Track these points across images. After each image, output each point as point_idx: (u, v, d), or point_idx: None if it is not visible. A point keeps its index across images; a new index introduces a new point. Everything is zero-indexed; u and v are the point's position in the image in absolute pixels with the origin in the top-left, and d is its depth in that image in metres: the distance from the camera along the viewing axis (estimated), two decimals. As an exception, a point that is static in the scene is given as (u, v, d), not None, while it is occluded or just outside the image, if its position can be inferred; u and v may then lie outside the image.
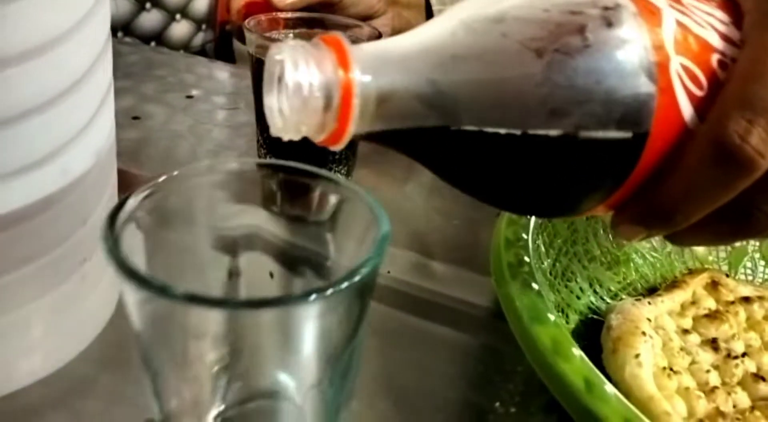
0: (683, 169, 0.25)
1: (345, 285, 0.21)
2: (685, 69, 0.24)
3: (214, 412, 0.25)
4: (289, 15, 0.48)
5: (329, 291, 0.21)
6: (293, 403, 0.25)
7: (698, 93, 0.25)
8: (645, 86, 0.23)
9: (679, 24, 0.25)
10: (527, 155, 0.24)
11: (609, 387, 0.26)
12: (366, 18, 0.69)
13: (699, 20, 0.26)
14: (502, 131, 0.23)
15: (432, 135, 0.24)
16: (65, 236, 0.30)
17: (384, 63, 0.22)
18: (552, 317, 0.28)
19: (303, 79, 0.21)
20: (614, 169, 0.25)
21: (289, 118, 0.22)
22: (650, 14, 0.24)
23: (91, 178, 0.30)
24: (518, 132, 0.23)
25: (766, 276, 0.44)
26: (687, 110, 0.24)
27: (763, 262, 0.44)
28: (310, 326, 0.22)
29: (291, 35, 0.46)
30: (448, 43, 0.23)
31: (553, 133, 0.23)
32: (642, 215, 0.27)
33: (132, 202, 0.24)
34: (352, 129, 0.22)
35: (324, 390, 0.25)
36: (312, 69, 0.21)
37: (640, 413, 0.27)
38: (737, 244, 0.44)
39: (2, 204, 0.26)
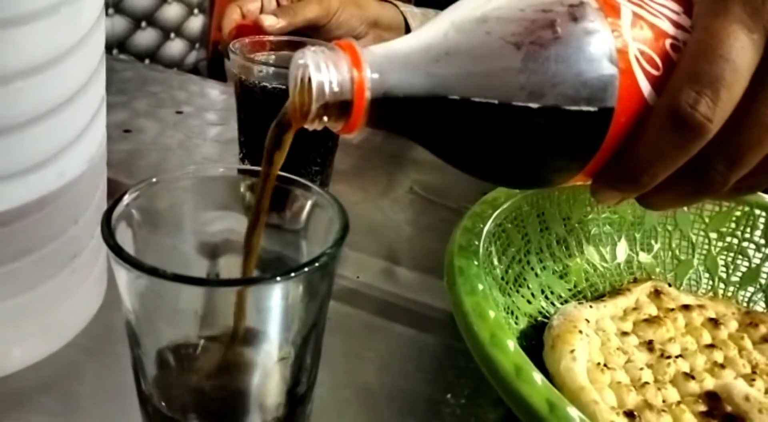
0: (645, 136, 0.29)
1: (306, 269, 0.25)
2: (642, 53, 0.29)
3: (192, 383, 0.28)
4: (273, 38, 0.51)
5: (293, 274, 0.25)
6: (261, 376, 0.28)
7: (655, 72, 0.29)
8: (608, 69, 0.28)
9: (636, 15, 0.29)
10: (513, 132, 0.28)
11: (537, 374, 0.29)
12: (349, 40, 0.73)
13: (654, 11, 0.30)
14: (491, 113, 0.28)
15: (431, 119, 0.28)
16: (58, 233, 0.33)
17: (390, 62, 0.27)
18: (492, 314, 0.32)
19: (324, 79, 0.26)
20: (587, 140, 0.29)
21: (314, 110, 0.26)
22: (610, 8, 0.29)
23: (83, 182, 0.33)
24: (504, 113, 0.27)
25: (708, 288, 0.47)
26: (646, 88, 0.29)
27: (707, 275, 0.48)
28: (277, 304, 0.26)
29: (273, 57, 0.50)
30: (442, 42, 0.28)
31: (533, 111, 0.27)
32: (615, 179, 0.31)
33: (126, 199, 0.27)
34: (365, 119, 0.27)
35: (289, 366, 0.28)
36: (331, 70, 0.26)
37: (571, 402, 0.30)
38: (683, 258, 0.48)
39: (4, 202, 0.30)
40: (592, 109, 0.28)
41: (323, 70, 0.26)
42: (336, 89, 0.26)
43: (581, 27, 0.28)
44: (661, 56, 0.29)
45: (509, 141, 0.29)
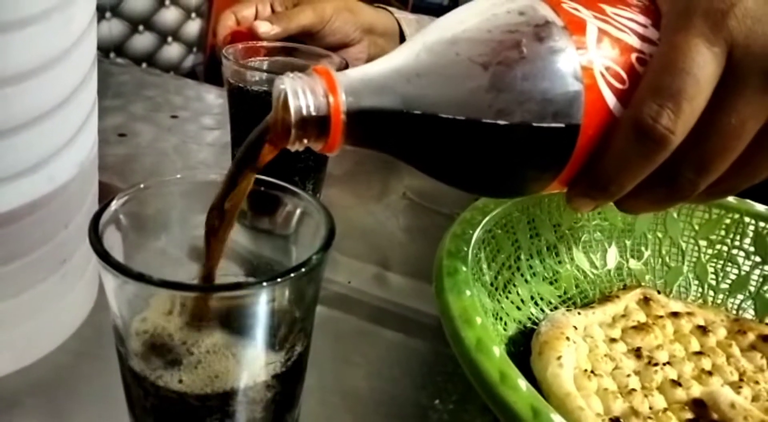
0: (612, 148, 0.30)
1: (292, 274, 0.25)
2: (608, 68, 0.29)
3: (179, 386, 0.28)
4: (266, 44, 0.52)
5: (279, 279, 0.25)
6: (247, 380, 0.28)
7: (620, 86, 0.29)
8: (573, 86, 0.28)
9: (601, 31, 0.30)
10: (484, 148, 0.29)
11: (522, 380, 0.29)
12: (343, 46, 0.74)
13: (620, 26, 0.30)
14: (462, 131, 0.28)
15: (405, 137, 0.29)
16: (48, 238, 0.33)
17: (364, 85, 0.28)
18: (479, 320, 0.32)
19: (302, 104, 0.27)
20: (557, 154, 0.30)
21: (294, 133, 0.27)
22: (576, 26, 0.29)
23: (74, 187, 0.33)
24: (475, 130, 0.28)
25: (698, 295, 0.48)
26: (612, 101, 0.29)
27: (696, 282, 0.48)
28: (264, 309, 0.26)
29: (266, 63, 0.50)
30: (414, 64, 0.28)
31: (502, 128, 0.28)
32: (586, 188, 0.32)
33: (114, 205, 0.28)
34: (342, 139, 0.28)
35: (275, 371, 0.28)
36: (308, 95, 0.27)
37: (557, 409, 0.30)
38: (672, 265, 0.48)
39: (-6, 206, 0.30)
40: (559, 124, 0.29)
41: (300, 96, 0.27)
42: (313, 113, 0.27)
43: (546, 46, 0.28)
44: (627, 70, 0.30)
45: (481, 156, 0.29)
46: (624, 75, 0.29)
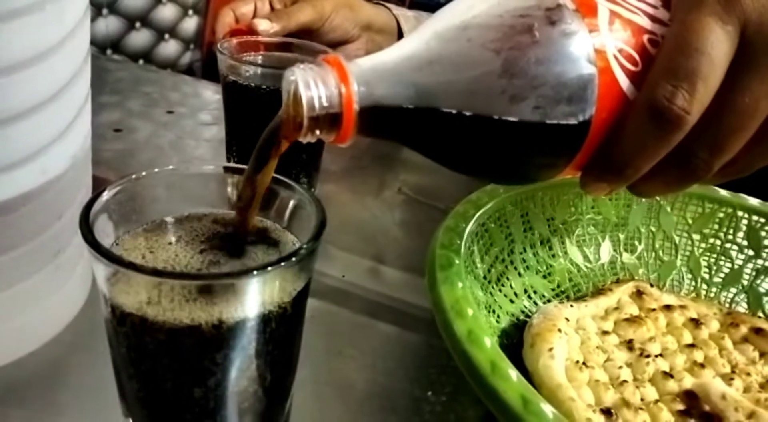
0: (627, 130, 0.30)
1: (282, 264, 0.26)
2: (621, 50, 0.29)
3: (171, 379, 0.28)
4: (261, 39, 0.52)
5: (269, 268, 0.25)
6: (238, 371, 0.28)
7: (633, 68, 0.29)
8: (587, 69, 0.28)
9: (613, 13, 0.30)
10: (497, 134, 0.29)
11: (512, 371, 0.29)
12: (342, 43, 0.74)
13: (631, 8, 0.30)
14: (476, 117, 0.28)
15: (418, 126, 0.29)
16: (42, 229, 0.33)
17: (375, 74, 0.28)
18: (471, 311, 0.32)
19: (314, 94, 0.27)
20: (571, 138, 0.30)
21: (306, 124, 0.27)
22: (587, 8, 0.29)
23: (67, 179, 0.33)
24: (488, 116, 0.28)
25: (691, 288, 0.48)
26: (625, 84, 0.29)
27: (690, 275, 0.48)
28: (255, 298, 0.26)
29: (261, 58, 0.50)
30: (425, 52, 0.28)
31: (516, 113, 0.28)
32: (601, 173, 0.31)
33: (106, 195, 0.28)
34: (355, 129, 0.28)
35: (266, 361, 0.28)
36: (320, 86, 0.27)
37: (549, 399, 0.30)
38: (666, 259, 0.48)
39: (-14, 197, 0.30)
40: (573, 108, 0.28)
41: (312, 87, 0.27)
42: (325, 104, 0.27)
43: (558, 30, 0.28)
44: (639, 52, 0.30)
45: (495, 142, 0.29)
46: (637, 57, 0.29)
